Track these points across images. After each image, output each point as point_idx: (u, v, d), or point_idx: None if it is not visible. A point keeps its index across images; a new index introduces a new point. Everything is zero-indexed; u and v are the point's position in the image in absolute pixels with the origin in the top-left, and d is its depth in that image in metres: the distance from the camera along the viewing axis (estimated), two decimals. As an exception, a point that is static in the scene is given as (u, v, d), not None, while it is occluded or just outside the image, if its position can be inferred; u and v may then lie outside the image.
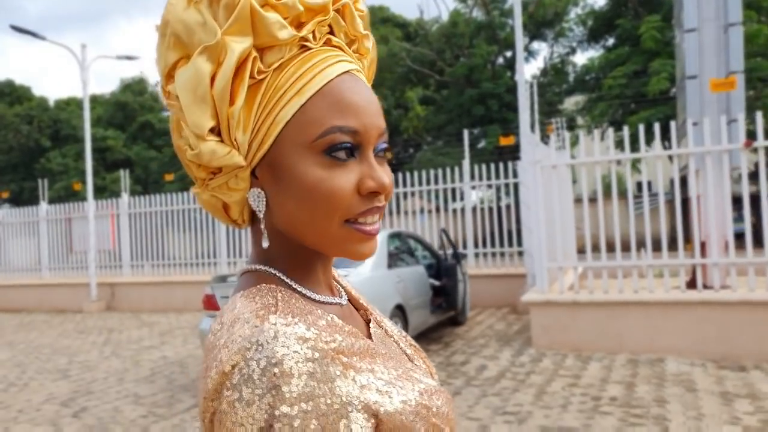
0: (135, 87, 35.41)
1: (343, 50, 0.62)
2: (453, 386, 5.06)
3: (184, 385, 5.59)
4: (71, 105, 35.91)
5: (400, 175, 10.47)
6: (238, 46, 0.54)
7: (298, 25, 0.58)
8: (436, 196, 10.58)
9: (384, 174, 0.60)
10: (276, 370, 0.49)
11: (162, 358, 6.89)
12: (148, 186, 28.05)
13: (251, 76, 0.56)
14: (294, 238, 0.61)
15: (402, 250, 7.12)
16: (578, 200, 7.36)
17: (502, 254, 10.00)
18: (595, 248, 6.42)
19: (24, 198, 27.30)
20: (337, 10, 0.61)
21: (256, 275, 0.62)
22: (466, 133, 10.49)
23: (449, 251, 8.05)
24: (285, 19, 0.56)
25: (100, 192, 24.57)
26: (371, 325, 0.70)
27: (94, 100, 37.28)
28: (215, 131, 0.57)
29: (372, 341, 0.63)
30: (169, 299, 11.14)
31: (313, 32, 0.59)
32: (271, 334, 0.51)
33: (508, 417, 4.22)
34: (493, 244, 10.05)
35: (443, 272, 7.30)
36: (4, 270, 13.90)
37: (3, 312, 12.51)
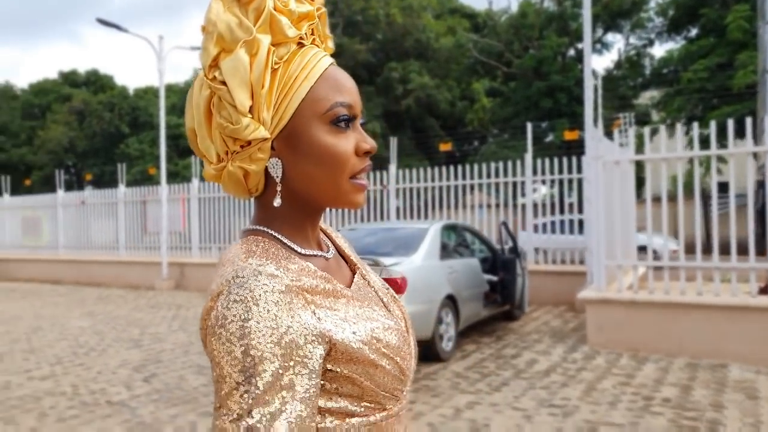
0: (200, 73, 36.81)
1: (320, 46, 0.79)
2: (500, 378, 5.14)
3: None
4: (148, 93, 37.78)
5: (459, 168, 10.51)
6: (265, 41, 0.71)
7: (296, 26, 0.74)
8: (497, 191, 10.54)
9: (370, 138, 0.78)
10: (248, 295, 0.65)
11: (225, 335, 7.30)
12: (218, 172, 29.16)
13: (272, 66, 0.72)
14: (307, 196, 0.77)
15: (457, 242, 7.22)
16: (656, 199, 7.14)
17: (564, 251, 9.89)
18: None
19: (105, 181, 28.97)
20: (320, 17, 0.78)
21: (253, 232, 0.78)
22: (529, 126, 10.37)
23: (507, 245, 8.07)
24: (290, 18, 0.73)
25: (173, 177, 25.72)
26: (356, 276, 0.86)
27: (169, 89, 39.05)
28: (249, 111, 0.72)
29: (350, 288, 0.80)
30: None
31: (305, 32, 0.75)
32: (248, 271, 0.67)
33: (553, 410, 4.27)
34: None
35: (501, 266, 7.33)
36: (87, 247, 14.95)
37: (85, 285, 13.49)
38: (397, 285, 5.23)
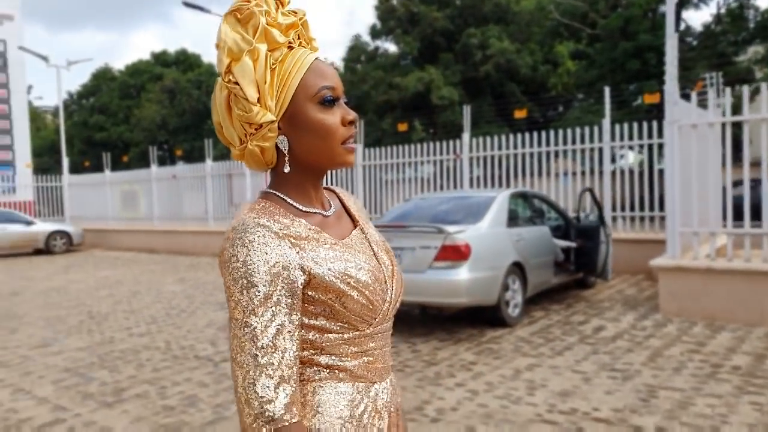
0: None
1: (307, 47, 1.02)
2: (564, 343, 5.24)
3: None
4: (233, 70, 39.10)
5: (536, 135, 10.39)
6: (263, 49, 0.93)
7: (284, 34, 0.97)
8: (583, 158, 10.26)
9: (352, 111, 1.00)
10: (246, 238, 0.89)
11: (302, 299, 7.79)
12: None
13: (270, 67, 0.94)
14: (309, 161, 1.00)
15: (526, 210, 7.25)
16: (754, 164, 6.76)
17: (642, 219, 9.62)
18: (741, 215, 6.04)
19: (194, 156, 30.62)
20: (303, 24, 1.01)
21: (264, 195, 1.02)
22: (607, 90, 10.02)
23: (586, 212, 7.98)
24: (279, 29, 0.95)
25: (257, 151, 26.72)
26: (356, 230, 1.08)
27: (253, 64, 40.45)
28: (257, 101, 0.96)
29: (345, 238, 1.02)
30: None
31: (293, 38, 0.98)
32: (247, 221, 0.92)
33: (613, 373, 4.35)
34: (632, 208, 9.69)
35: (582, 233, 7.28)
36: (179, 218, 16.10)
37: (178, 254, 14.59)
38: (460, 252, 5.42)
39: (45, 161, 36.04)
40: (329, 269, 0.93)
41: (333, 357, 0.96)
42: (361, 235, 1.08)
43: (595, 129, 9.65)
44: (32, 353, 5.45)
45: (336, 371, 0.96)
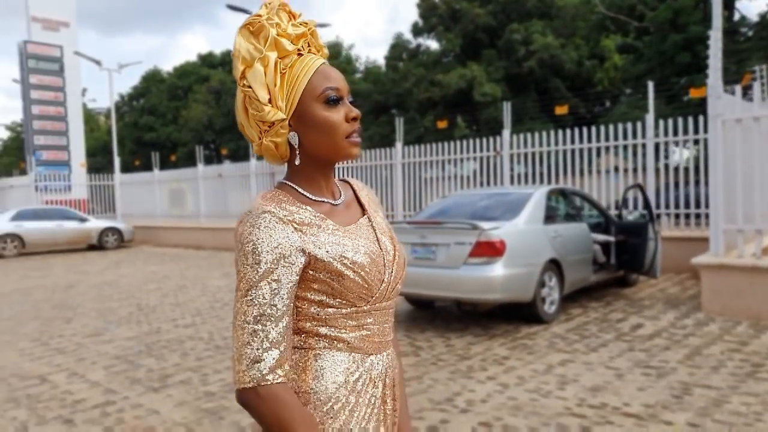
0: (331, 51, 37.90)
1: (316, 54, 1.14)
2: (600, 340, 5.23)
3: (354, 317, 6.53)
4: (277, 70, 39.79)
5: (577, 131, 10.28)
6: (273, 56, 1.06)
7: (294, 42, 1.09)
8: (634, 154, 10.03)
9: (355, 109, 1.12)
10: (254, 222, 1.02)
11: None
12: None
13: (280, 72, 1.07)
14: (317, 154, 1.12)
15: (564, 207, 7.23)
16: None
17: (688, 216, 9.41)
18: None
19: (240, 155, 31.33)
20: (312, 33, 1.13)
21: (279, 184, 1.15)
22: (650, 84, 9.82)
23: (629, 209, 7.86)
24: (289, 39, 1.08)
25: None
26: (363, 218, 1.19)
27: (296, 64, 41.06)
28: (269, 102, 1.09)
29: (351, 225, 1.13)
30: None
31: (302, 45, 1.10)
32: (257, 208, 1.04)
33: (648, 370, 4.34)
34: (677, 206, 9.49)
35: (629, 231, 7.20)
36: (224, 216, 16.58)
37: (223, 250, 15.03)
38: (495, 248, 5.47)
39: (98, 161, 37.50)
40: (327, 251, 1.05)
41: (332, 329, 1.08)
42: (367, 223, 1.18)
43: (638, 125, 9.49)
44: (86, 341, 5.80)
45: (335, 342, 1.09)
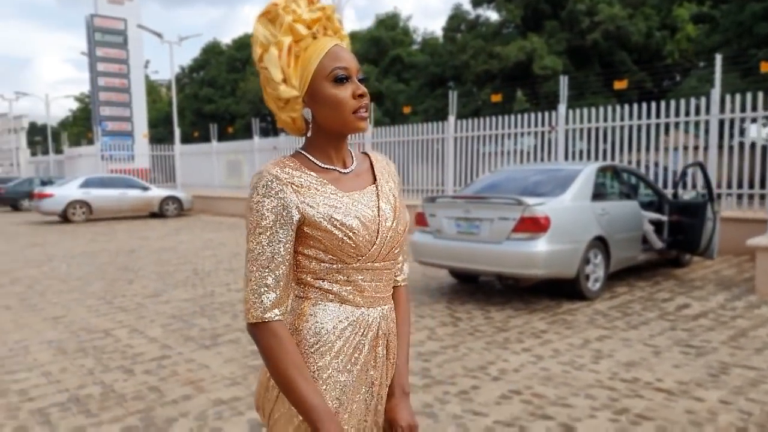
0: (388, 22, 37.72)
1: (332, 36, 1.28)
2: (642, 318, 5.26)
3: (398, 288, 6.75)
4: (335, 42, 39.93)
5: (636, 107, 10.04)
6: (287, 40, 1.23)
7: (309, 27, 1.24)
8: (706, 131, 9.66)
9: (363, 86, 1.26)
10: (260, 182, 1.20)
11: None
12: (395, 118, 30.51)
13: (294, 54, 1.24)
14: (328, 128, 1.28)
15: (615, 185, 7.16)
16: None
17: (751, 197, 9.10)
18: None
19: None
20: (328, 18, 1.27)
21: (294, 152, 1.31)
22: (718, 57, 9.43)
23: (686, 188, 7.71)
24: (304, 24, 1.24)
25: (355, 123, 27.32)
26: (370, 186, 1.33)
27: (353, 36, 41.00)
28: (283, 81, 1.26)
29: (358, 191, 1.29)
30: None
31: (317, 29, 1.25)
32: (264, 171, 1.22)
33: (687, 349, 4.36)
34: (740, 185, 9.18)
35: (687, 210, 7.08)
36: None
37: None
38: (539, 224, 5.54)
39: (160, 132, 38.97)
40: (318, 212, 1.22)
41: (325, 282, 1.26)
42: (373, 191, 1.33)
43: (702, 100, 9.18)
44: (145, 301, 6.26)
45: (327, 293, 1.26)
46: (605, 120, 10.47)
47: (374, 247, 1.26)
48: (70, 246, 11.23)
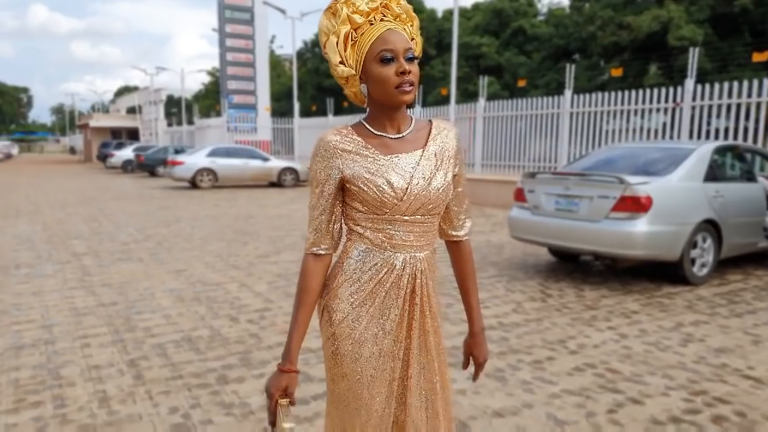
0: (512, -9, 36.62)
1: (393, 19, 1.50)
2: (750, 307, 5.05)
3: (493, 261, 6.89)
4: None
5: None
6: (344, 29, 1.47)
7: (367, 15, 1.48)
8: None
9: (406, 65, 1.46)
10: (318, 145, 1.50)
11: (487, 241, 8.34)
12: (514, 92, 29.86)
13: (352, 39, 1.49)
14: (378, 101, 1.52)
15: (735, 166, 6.76)
16: None
17: None
18: None
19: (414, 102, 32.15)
20: (385, 6, 1.49)
21: (355, 122, 1.57)
22: None
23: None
24: (361, 14, 1.48)
25: (472, 97, 27.29)
26: (417, 151, 1.54)
27: (476, 8, 40.38)
28: (342, 63, 1.52)
29: (397, 155, 1.51)
30: (510, 196, 12.57)
31: (373, 17, 1.48)
32: (321, 137, 1.51)
33: (791, 340, 4.17)
34: None
35: None
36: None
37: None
38: (640, 203, 5.44)
39: (283, 105, 40.96)
40: (354, 172, 1.48)
41: (360, 227, 1.54)
42: (419, 155, 1.54)
43: None
44: (256, 261, 6.91)
45: (362, 237, 1.54)
46: (739, 96, 9.74)
47: (400, 203, 1.49)
48: (196, 210, 12.40)
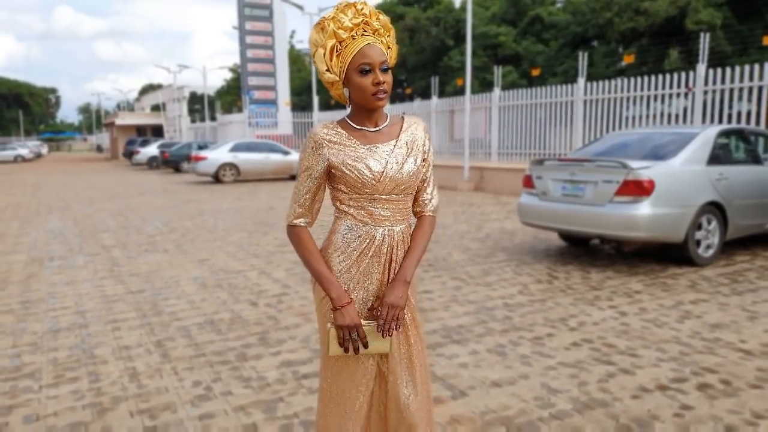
0: (528, -20, 36.37)
1: (372, 34, 1.71)
2: (752, 286, 5.16)
3: (504, 247, 7.06)
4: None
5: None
6: (330, 43, 1.69)
7: (350, 30, 1.69)
8: None
9: (381, 76, 1.69)
10: (309, 137, 1.73)
11: (500, 228, 8.50)
12: (532, 80, 29.74)
13: (337, 51, 1.70)
14: (357, 103, 1.75)
15: (740, 149, 6.82)
16: None
17: None
18: None
19: (429, 93, 32.32)
20: (365, 23, 1.70)
21: (341, 118, 1.80)
22: None
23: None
24: (345, 30, 1.69)
25: (490, 87, 27.24)
26: (392, 141, 1.78)
27: (491, -4, 40.15)
28: (328, 71, 1.73)
29: (375, 145, 1.74)
30: (526, 186, 12.68)
31: (356, 32, 1.69)
32: (312, 130, 1.74)
33: (787, 316, 4.29)
34: None
35: None
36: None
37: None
38: (643, 187, 5.56)
39: (303, 99, 41.26)
40: (338, 159, 1.72)
41: (345, 206, 1.78)
42: (392, 144, 1.79)
43: None
44: (275, 250, 7.18)
45: (347, 214, 1.78)
46: (751, 79, 9.72)
47: (378, 184, 1.74)
48: (219, 203, 12.75)
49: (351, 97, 1.75)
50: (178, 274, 6.05)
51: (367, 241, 1.78)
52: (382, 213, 1.78)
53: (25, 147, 49.12)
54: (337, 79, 1.73)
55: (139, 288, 5.50)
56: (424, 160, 1.84)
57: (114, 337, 4.14)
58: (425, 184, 1.88)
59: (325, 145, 1.73)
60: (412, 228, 1.89)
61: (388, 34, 1.76)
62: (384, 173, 1.74)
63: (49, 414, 2.99)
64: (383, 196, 1.76)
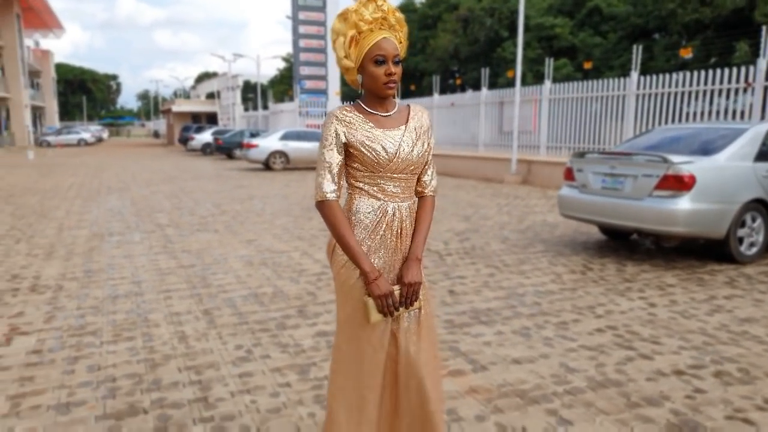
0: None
1: (388, 29, 1.95)
2: (789, 283, 5.15)
3: (544, 239, 7.18)
4: (527, -6, 38.87)
5: None
6: (351, 32, 1.94)
7: (370, 23, 1.93)
8: None
9: (393, 67, 1.94)
10: (327, 119, 1.98)
11: (542, 221, 8.59)
12: (588, 73, 29.21)
13: (355, 41, 1.95)
14: (370, 90, 1.99)
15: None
16: None
17: None
18: None
19: (480, 84, 32.15)
20: (384, 18, 1.94)
21: (356, 101, 2.05)
22: None
23: None
24: (365, 22, 1.93)
25: (542, 79, 26.89)
26: (402, 126, 2.02)
27: (549, -14, 39.50)
28: (346, 58, 1.98)
29: (388, 128, 1.98)
30: (573, 180, 12.62)
31: (374, 25, 1.93)
32: (332, 111, 1.98)
33: (821, 314, 4.30)
34: None
35: None
36: (453, 143, 17.81)
37: (445, 175, 16.36)
38: (683, 182, 5.60)
39: (353, 90, 41.76)
40: (356, 138, 1.95)
41: (360, 183, 2.00)
42: (402, 130, 2.02)
43: None
44: (319, 233, 7.51)
45: (362, 191, 2.00)
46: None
47: (390, 164, 1.97)
48: (268, 189, 13.23)
49: (364, 84, 1.97)
50: (227, 252, 6.45)
51: (381, 214, 2.00)
52: (392, 189, 2.01)
53: (87, 131, 51.43)
54: (353, 66, 1.95)
55: (190, 263, 5.92)
56: (427, 144, 2.07)
57: (166, 305, 4.53)
58: (427, 167, 2.11)
59: (344, 123, 1.95)
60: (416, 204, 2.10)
61: (401, 30, 1.99)
62: (397, 154, 1.97)
63: (108, 365, 3.38)
64: (395, 175, 1.99)
